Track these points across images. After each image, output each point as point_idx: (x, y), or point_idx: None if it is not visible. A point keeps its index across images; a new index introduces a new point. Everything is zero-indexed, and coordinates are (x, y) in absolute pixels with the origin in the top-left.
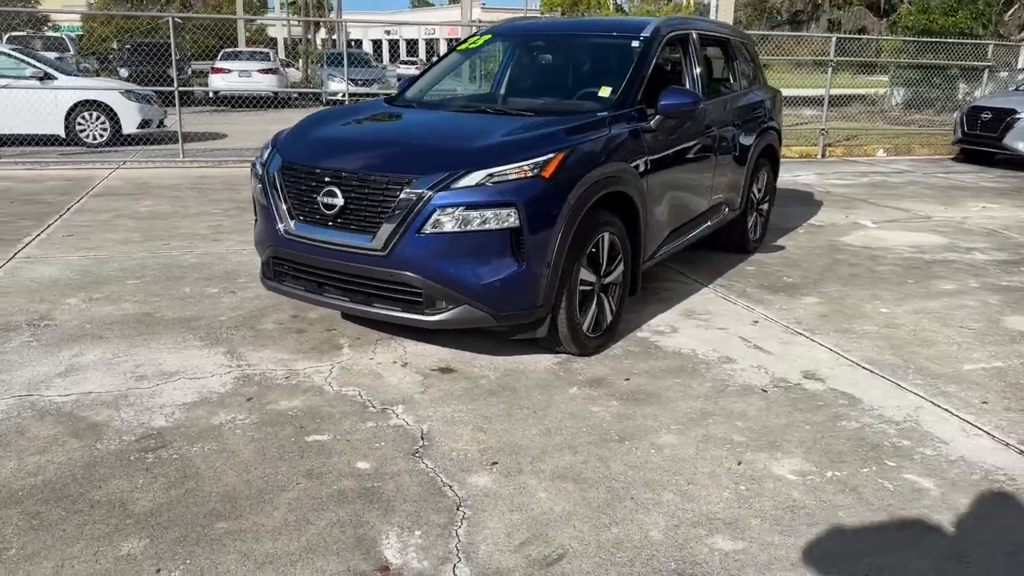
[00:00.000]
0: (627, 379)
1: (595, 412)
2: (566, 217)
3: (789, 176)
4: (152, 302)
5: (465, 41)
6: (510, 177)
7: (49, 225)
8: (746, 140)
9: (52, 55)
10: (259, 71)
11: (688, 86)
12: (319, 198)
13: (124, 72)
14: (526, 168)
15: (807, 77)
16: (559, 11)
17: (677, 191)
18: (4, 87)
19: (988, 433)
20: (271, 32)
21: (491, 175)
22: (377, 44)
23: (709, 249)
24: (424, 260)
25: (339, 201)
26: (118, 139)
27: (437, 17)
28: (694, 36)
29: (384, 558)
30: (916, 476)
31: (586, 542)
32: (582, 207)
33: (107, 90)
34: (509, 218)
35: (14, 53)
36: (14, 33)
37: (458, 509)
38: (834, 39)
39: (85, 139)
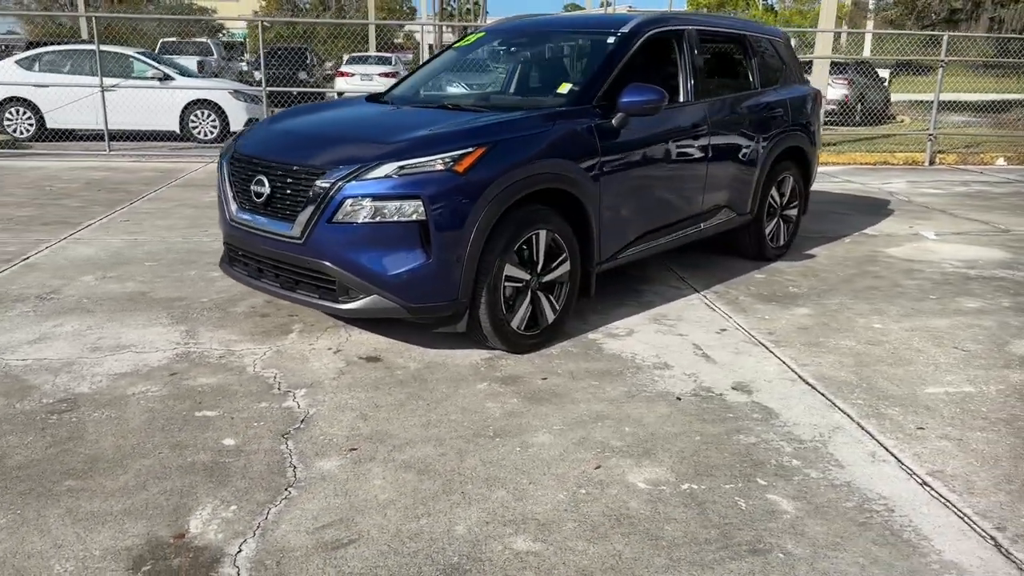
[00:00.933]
0: (544, 378)
1: (488, 408)
2: (482, 212)
3: (878, 183)
4: (153, 283)
5: (461, 39)
6: (420, 170)
7: (116, 211)
8: (758, 142)
9: (197, 58)
10: (380, 74)
11: (680, 85)
12: (251, 186)
13: (257, 75)
14: (438, 162)
15: (974, 80)
16: (705, 9)
17: (650, 191)
18: (127, 87)
19: (899, 460)
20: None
21: (401, 167)
22: None
23: (723, 254)
24: (336, 249)
25: (266, 190)
26: (226, 136)
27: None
28: (690, 33)
29: (187, 527)
30: (780, 497)
31: (386, 530)
32: (504, 203)
33: (217, 90)
34: (415, 211)
35: (138, 56)
36: (165, 39)
37: (286, 490)
38: (945, 38)
39: (197, 135)
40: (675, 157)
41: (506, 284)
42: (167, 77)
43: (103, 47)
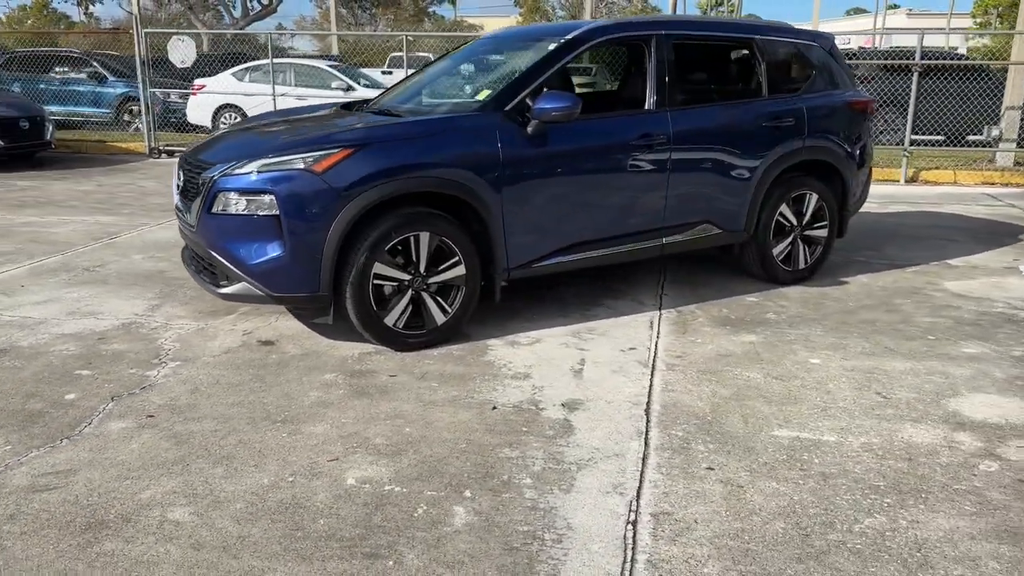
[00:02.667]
0: (394, 376)
1: (308, 396)
2: (340, 211)
3: (1005, 208)
4: (177, 264)
5: (457, 48)
6: (278, 168)
7: None
8: (752, 154)
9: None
10: None
11: (648, 92)
12: (175, 179)
13: None
14: (298, 161)
15: None
16: None
17: (579, 202)
18: (313, 96)
19: (636, 496)
20: None
21: (264, 165)
22: None
23: (733, 273)
24: (212, 237)
25: (180, 182)
26: None
27: (852, 26)
28: (660, 39)
29: None
30: (464, 510)
31: (90, 485)
32: (369, 203)
33: None
34: (270, 206)
35: (328, 68)
36: (394, 54)
37: (61, 440)
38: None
39: None
40: (616, 168)
41: (377, 282)
42: (350, 88)
43: (305, 60)
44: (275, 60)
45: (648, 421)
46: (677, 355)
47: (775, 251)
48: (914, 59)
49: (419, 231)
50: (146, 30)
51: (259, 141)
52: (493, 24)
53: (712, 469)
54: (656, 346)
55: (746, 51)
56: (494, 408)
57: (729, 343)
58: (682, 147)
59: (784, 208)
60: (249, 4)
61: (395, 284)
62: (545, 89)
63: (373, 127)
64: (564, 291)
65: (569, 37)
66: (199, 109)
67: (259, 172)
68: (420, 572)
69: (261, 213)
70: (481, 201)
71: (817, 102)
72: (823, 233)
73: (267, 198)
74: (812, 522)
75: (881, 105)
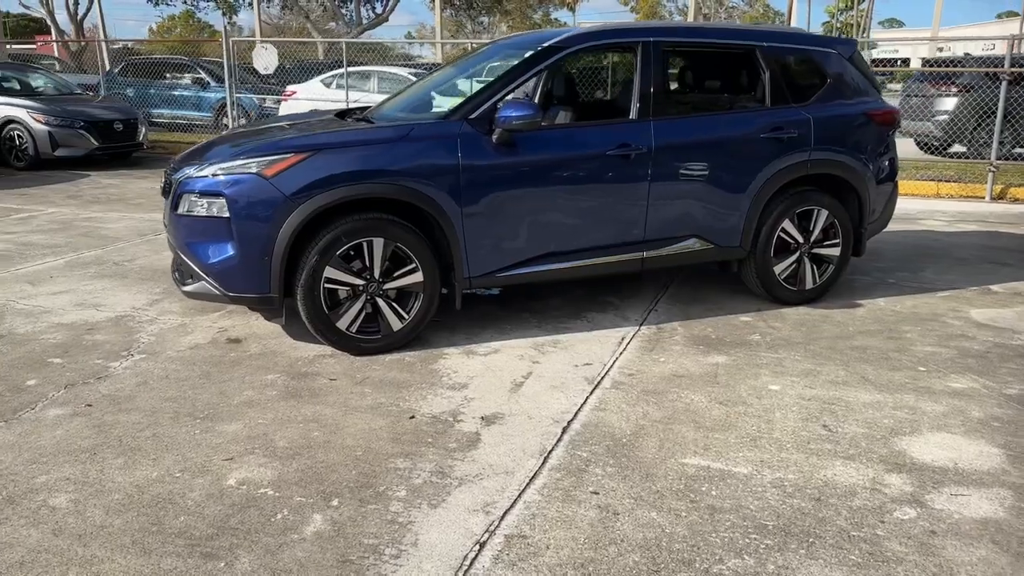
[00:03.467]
0: (334, 379)
1: (241, 395)
2: (288, 215)
3: None
4: None
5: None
6: (231, 172)
7: None
8: (748, 166)
9: None
10: None
11: (633, 100)
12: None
13: None
14: (252, 165)
15: None
16: None
17: (547, 212)
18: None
19: (501, 516)
20: None
21: (221, 168)
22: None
23: (738, 290)
24: (178, 236)
25: (162, 184)
26: None
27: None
28: (648, 47)
29: None
30: (322, 519)
31: None
32: (317, 208)
33: None
34: (221, 208)
35: (409, 76)
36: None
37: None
38: None
39: None
40: (589, 178)
41: (330, 286)
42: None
43: (388, 68)
44: (361, 68)
45: (559, 440)
46: (630, 373)
47: (777, 269)
48: (1002, 66)
49: (372, 237)
50: (233, 39)
51: (230, 146)
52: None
53: (597, 493)
54: (613, 363)
55: (748, 59)
56: (412, 417)
57: (693, 363)
58: (665, 158)
59: (787, 224)
60: (364, 13)
61: (349, 288)
62: (511, 97)
63: (329, 133)
64: (551, 302)
65: (545, 45)
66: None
67: (214, 176)
68: (254, 575)
69: (215, 215)
70: (439, 209)
71: (827, 113)
72: (835, 252)
73: (220, 200)
74: (670, 558)
75: (986, 116)
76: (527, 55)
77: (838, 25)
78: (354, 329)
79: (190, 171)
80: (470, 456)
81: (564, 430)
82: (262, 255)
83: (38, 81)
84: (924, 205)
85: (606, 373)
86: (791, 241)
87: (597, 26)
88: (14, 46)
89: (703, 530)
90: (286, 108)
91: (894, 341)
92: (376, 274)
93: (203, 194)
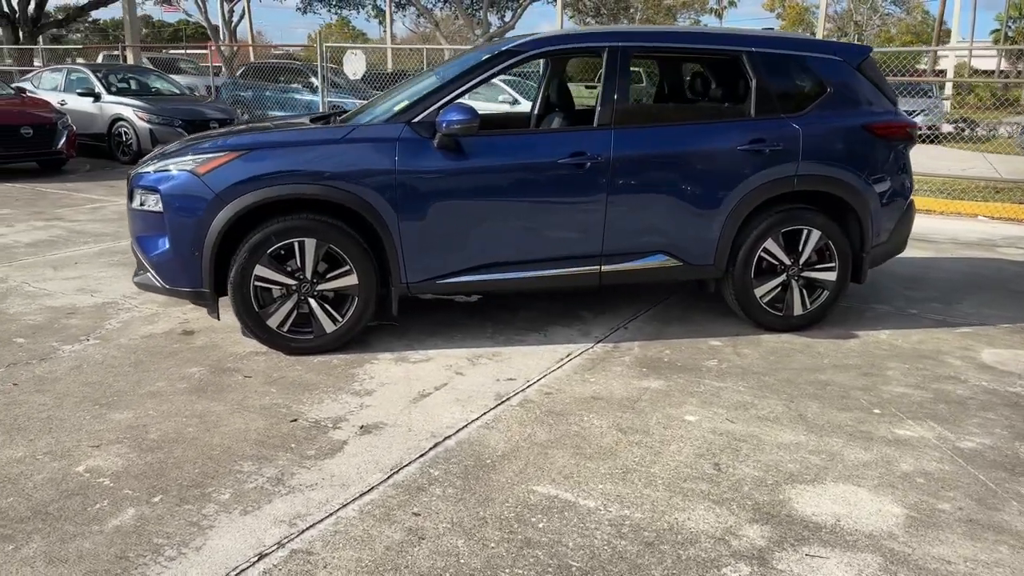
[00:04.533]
0: (248, 377)
1: (143, 383)
2: (218, 212)
3: None
4: None
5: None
6: (170, 169)
7: None
8: (725, 181)
9: None
10: None
11: (596, 108)
12: None
13: None
14: (189, 162)
15: None
16: None
17: (493, 220)
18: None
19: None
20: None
21: (163, 165)
22: None
23: (729, 311)
24: (131, 228)
25: None
26: None
27: None
28: (613, 51)
29: None
30: None
31: None
32: (246, 206)
33: None
34: (157, 203)
35: (499, 83)
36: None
37: None
38: None
39: None
40: (539, 187)
41: (260, 284)
42: (515, 101)
43: None
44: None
45: (422, 456)
46: (548, 392)
47: (759, 292)
48: None
49: (304, 238)
50: (326, 44)
51: (184, 144)
52: None
53: (418, 515)
54: (538, 380)
55: (734, 66)
56: (294, 421)
57: (622, 386)
58: (625, 169)
59: (771, 244)
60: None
61: (282, 288)
62: (457, 101)
63: (269, 133)
64: (521, 312)
65: (501, 50)
66: None
67: (156, 172)
68: (31, 560)
69: (153, 209)
70: (373, 212)
71: (820, 125)
72: (829, 276)
73: (154, 196)
74: None
75: None
76: (482, 59)
77: (1010, 34)
78: (285, 328)
79: (143, 167)
80: (320, 465)
81: (435, 446)
82: (193, 250)
83: (155, 83)
84: (1016, 231)
85: (522, 390)
86: (775, 262)
87: (564, 31)
88: (190, 51)
89: (499, 564)
90: None
91: (867, 378)
92: (308, 275)
93: (145, 189)
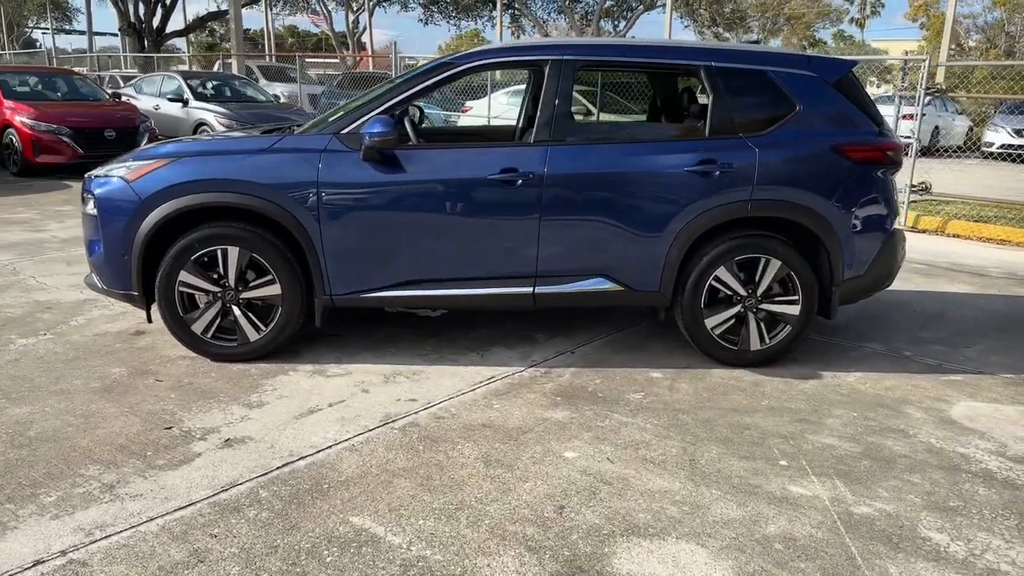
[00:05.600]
0: (160, 381)
1: (62, 379)
2: (144, 218)
3: None
4: None
5: None
6: (107, 175)
7: None
8: (671, 204)
9: None
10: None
11: (535, 123)
12: None
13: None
14: (121, 169)
15: None
16: None
17: (415, 235)
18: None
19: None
20: None
21: (106, 171)
22: None
23: (687, 344)
24: (83, 231)
25: None
26: None
27: None
28: (555, 65)
29: None
30: None
31: None
32: (169, 213)
33: None
34: (94, 207)
35: (575, 95)
36: None
37: None
38: None
39: None
40: (467, 203)
41: (186, 290)
42: (588, 112)
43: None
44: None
45: (264, 475)
46: (439, 417)
47: (710, 323)
48: None
49: (227, 245)
50: (400, 54)
51: (137, 152)
52: (897, 48)
53: (214, 537)
54: (439, 403)
55: (690, 81)
56: (168, 428)
57: (523, 416)
58: (560, 187)
59: (723, 272)
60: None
61: (209, 295)
62: (381, 115)
63: (201, 142)
64: (477, 331)
65: (438, 61)
66: None
67: (97, 177)
68: None
69: (91, 213)
70: (295, 223)
71: (782, 146)
72: (791, 310)
73: (91, 200)
74: None
75: None
76: (418, 72)
77: None
78: (209, 334)
79: (94, 172)
80: (159, 476)
81: (285, 465)
82: (122, 254)
83: (242, 90)
84: None
85: (415, 413)
86: (729, 292)
87: (505, 44)
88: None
89: None
90: (465, 121)
91: (799, 425)
92: (232, 282)
93: (88, 193)
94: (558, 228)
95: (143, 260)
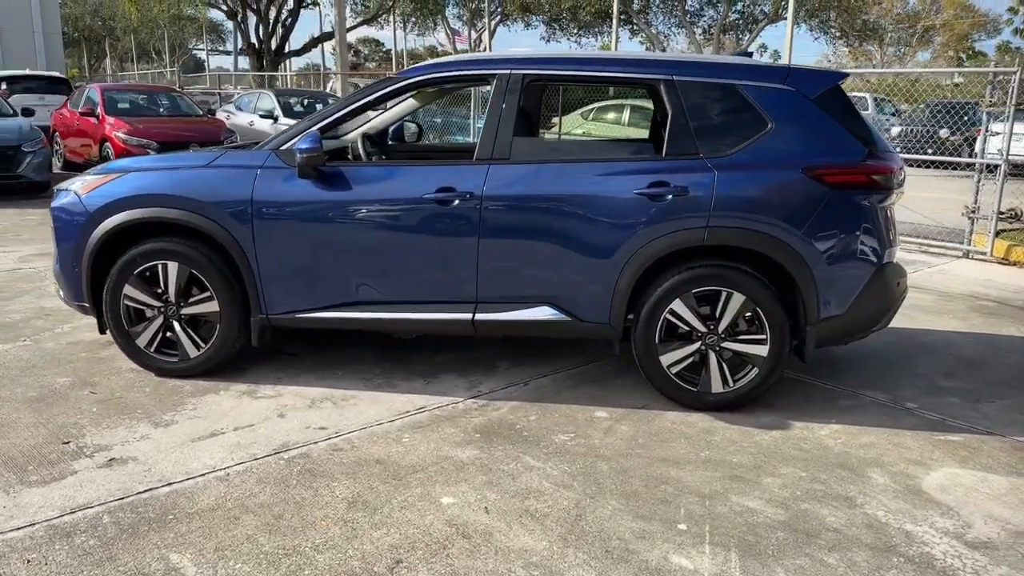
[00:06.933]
0: (94, 392)
1: (11, 384)
2: (91, 231)
3: None
4: None
5: None
6: (65, 188)
7: None
8: (618, 229)
9: None
10: None
11: (480, 139)
12: None
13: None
14: (77, 183)
15: None
16: None
17: (354, 254)
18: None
19: None
20: None
21: (68, 184)
22: None
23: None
24: None
25: None
26: None
27: None
28: (503, 79)
29: None
30: None
31: None
32: (113, 227)
33: None
34: (53, 219)
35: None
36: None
37: None
38: None
39: None
40: (403, 223)
41: (130, 304)
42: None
43: (641, 102)
44: (618, 101)
45: (118, 500)
46: (338, 448)
47: (665, 360)
48: None
49: (167, 260)
50: None
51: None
52: None
53: (29, 562)
54: (348, 433)
55: (651, 97)
56: (65, 443)
57: (428, 452)
58: (499, 209)
59: (678, 305)
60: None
61: (152, 309)
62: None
63: (151, 158)
64: (438, 355)
65: (384, 78)
66: None
67: (58, 190)
68: None
69: (51, 225)
70: (230, 239)
71: (746, 167)
72: (758, 351)
73: (53, 212)
74: None
75: None
76: (366, 88)
77: None
78: (152, 348)
79: (60, 184)
80: (22, 492)
81: (145, 491)
82: (73, 266)
83: None
84: None
85: (314, 443)
86: (687, 328)
87: (457, 58)
88: None
89: None
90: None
91: (728, 483)
92: (172, 298)
93: (52, 206)
94: (498, 252)
95: (92, 272)
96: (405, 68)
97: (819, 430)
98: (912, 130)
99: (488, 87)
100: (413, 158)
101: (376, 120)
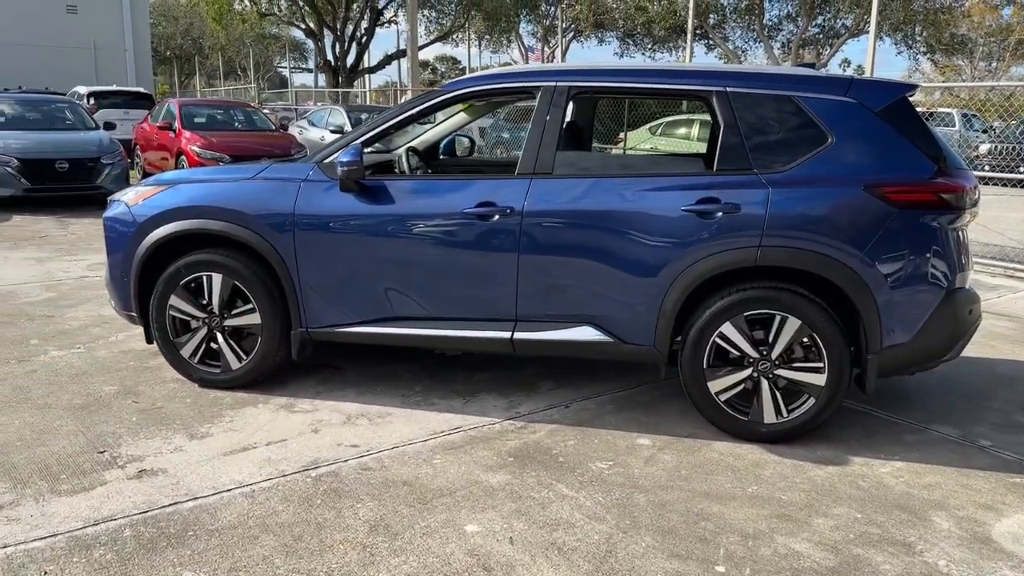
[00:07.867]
0: (136, 402)
1: (59, 391)
2: (140, 241)
3: None
4: None
5: None
6: (118, 199)
7: None
8: (666, 248)
9: None
10: None
11: (523, 153)
12: None
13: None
14: (128, 194)
15: None
16: None
17: (394, 269)
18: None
19: None
20: None
21: (121, 194)
22: None
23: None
24: None
25: None
26: None
27: None
28: (547, 92)
29: None
30: None
31: None
32: (160, 238)
33: None
34: (105, 230)
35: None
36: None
37: None
38: None
39: None
40: (443, 238)
41: (176, 314)
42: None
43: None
44: (687, 116)
45: (142, 513)
46: (368, 468)
47: (714, 386)
48: None
49: (212, 272)
50: None
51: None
52: None
53: (46, 574)
54: (379, 452)
55: (703, 109)
56: (100, 452)
57: (459, 476)
58: (541, 225)
59: (728, 329)
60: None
61: (194, 320)
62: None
63: (202, 170)
64: (479, 373)
65: (426, 91)
66: None
67: (111, 201)
68: None
69: (104, 235)
70: (273, 252)
71: (803, 184)
72: (815, 380)
73: (105, 223)
74: None
75: None
76: (408, 101)
77: None
78: (195, 359)
79: (113, 195)
80: (52, 501)
81: (171, 504)
82: (123, 276)
83: None
84: None
85: (345, 461)
86: (738, 353)
87: (499, 71)
88: None
89: None
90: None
91: (774, 522)
92: (216, 309)
93: (104, 216)
94: (538, 269)
95: (140, 282)
96: (450, 81)
97: (880, 467)
98: (1003, 147)
99: (533, 100)
100: (461, 172)
101: (429, 133)
